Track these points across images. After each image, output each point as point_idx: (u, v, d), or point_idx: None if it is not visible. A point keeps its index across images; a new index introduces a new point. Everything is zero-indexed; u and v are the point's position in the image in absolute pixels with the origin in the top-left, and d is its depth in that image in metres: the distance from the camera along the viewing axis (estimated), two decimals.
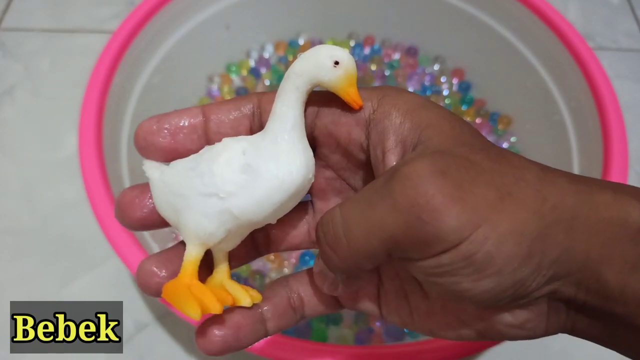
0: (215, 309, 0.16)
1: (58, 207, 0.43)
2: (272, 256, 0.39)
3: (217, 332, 0.17)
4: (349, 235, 0.15)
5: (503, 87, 0.45)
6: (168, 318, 0.38)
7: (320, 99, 0.18)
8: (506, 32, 0.42)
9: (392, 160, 0.17)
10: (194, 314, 0.16)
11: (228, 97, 0.47)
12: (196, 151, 0.18)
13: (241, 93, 0.47)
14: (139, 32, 0.37)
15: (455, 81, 0.48)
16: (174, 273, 0.17)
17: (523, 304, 0.15)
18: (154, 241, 0.34)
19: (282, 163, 0.17)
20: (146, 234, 0.33)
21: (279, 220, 0.18)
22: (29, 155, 0.46)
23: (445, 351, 0.26)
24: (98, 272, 0.40)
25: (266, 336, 0.18)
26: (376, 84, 0.48)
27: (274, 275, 0.39)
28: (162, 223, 0.18)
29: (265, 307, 0.18)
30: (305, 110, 0.18)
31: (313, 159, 0.18)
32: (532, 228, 0.14)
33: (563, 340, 0.38)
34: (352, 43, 0.50)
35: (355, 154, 0.18)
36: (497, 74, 0.45)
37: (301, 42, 0.50)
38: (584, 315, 0.16)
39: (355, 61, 0.53)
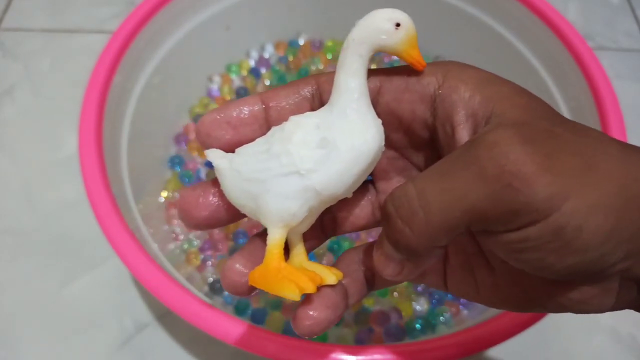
0: (310, 288, 0.16)
1: (58, 207, 0.43)
2: None
3: (312, 314, 0.17)
4: (427, 208, 0.14)
5: None
6: (168, 318, 0.38)
7: (380, 77, 0.18)
8: (506, 32, 0.42)
9: (463, 134, 0.16)
10: (293, 295, 0.16)
11: (228, 98, 0.47)
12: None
13: (241, 93, 0.47)
14: (139, 32, 0.37)
15: None
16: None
17: (596, 279, 0.15)
18: (154, 241, 0.34)
19: (356, 133, 0.16)
20: (146, 234, 0.33)
21: (343, 202, 0.18)
22: (28, 155, 0.46)
23: (445, 350, 0.26)
24: (98, 272, 0.40)
25: (346, 309, 0.19)
26: None
27: None
28: (228, 219, 0.18)
29: (345, 283, 0.18)
30: None
31: (382, 127, 0.17)
32: (616, 201, 0.13)
33: (564, 341, 0.38)
34: None
35: (419, 132, 0.18)
36: (497, 73, 0.45)
37: (301, 42, 0.50)
38: None
39: None
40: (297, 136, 0.16)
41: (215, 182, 0.18)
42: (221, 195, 0.18)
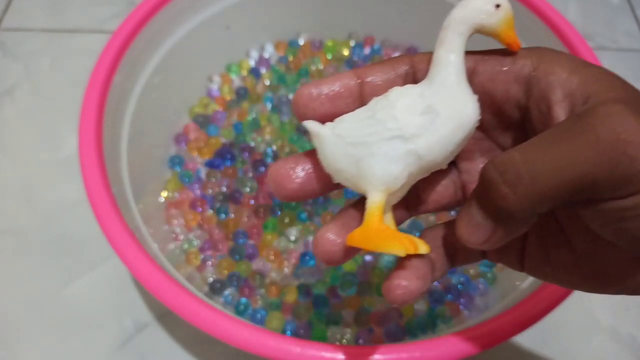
0: (412, 249, 0.17)
1: (58, 207, 0.43)
2: (272, 256, 0.39)
3: (405, 283, 0.18)
4: (534, 173, 0.15)
5: None
6: (168, 318, 0.38)
7: (474, 58, 0.19)
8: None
9: (560, 112, 0.17)
10: (400, 250, 0.17)
11: (228, 97, 0.47)
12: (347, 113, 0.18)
13: (241, 93, 0.47)
14: (139, 32, 0.37)
15: None
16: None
17: None
18: (153, 241, 0.34)
19: (458, 104, 0.17)
20: (146, 234, 0.33)
21: (427, 180, 0.19)
22: (28, 155, 0.46)
23: (445, 350, 0.26)
24: (98, 272, 0.40)
25: (432, 282, 0.19)
26: None
27: (274, 275, 0.39)
28: (320, 190, 0.19)
29: (432, 256, 0.19)
30: None
31: (478, 103, 0.18)
32: None
33: (564, 341, 0.38)
34: (352, 43, 0.50)
35: (509, 113, 0.19)
36: None
37: (301, 42, 0.50)
38: None
39: (356, 61, 0.53)
40: (402, 103, 0.17)
41: (307, 154, 0.19)
42: (314, 166, 0.19)
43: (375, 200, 0.17)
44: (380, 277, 0.39)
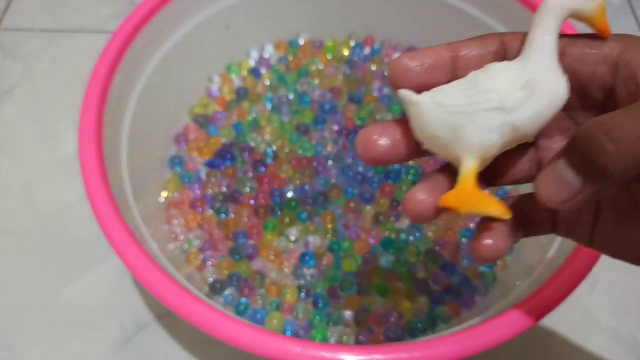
0: (505, 212, 0.19)
1: (58, 207, 0.43)
2: (272, 256, 0.40)
3: (492, 242, 0.20)
4: (638, 133, 0.16)
5: None
6: (168, 318, 0.38)
7: (563, 40, 0.20)
8: (506, 31, 0.42)
9: None
10: (497, 210, 0.19)
11: (228, 97, 0.47)
12: (442, 84, 0.20)
13: (241, 93, 0.47)
14: (139, 32, 0.37)
15: None
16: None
17: None
18: (153, 241, 0.34)
19: (552, 81, 0.19)
20: (146, 234, 0.33)
21: (505, 154, 0.20)
22: (28, 155, 0.46)
23: (445, 350, 0.26)
24: (98, 272, 0.40)
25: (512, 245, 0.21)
26: (376, 83, 0.48)
27: (274, 275, 0.39)
28: (406, 155, 0.21)
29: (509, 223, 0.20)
30: None
31: (567, 81, 0.19)
32: None
33: (564, 341, 0.38)
34: (352, 43, 0.50)
35: (593, 93, 0.20)
36: None
37: (301, 42, 0.50)
38: None
39: (356, 61, 0.52)
40: (503, 77, 0.19)
41: (396, 121, 0.21)
42: (401, 132, 0.20)
43: (471, 166, 0.19)
44: (380, 277, 0.39)
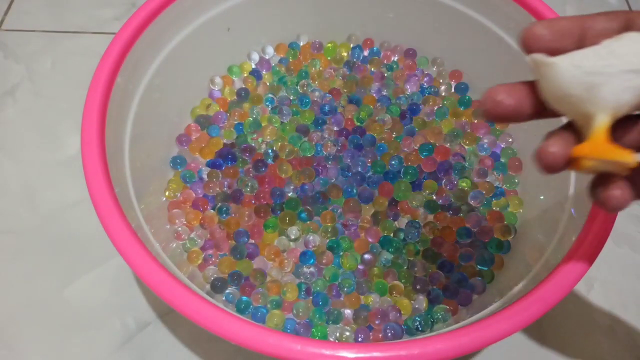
0: (635, 161, 0.20)
1: (59, 207, 0.43)
2: (272, 255, 0.40)
3: (619, 192, 0.22)
4: None
5: None
6: (170, 316, 0.39)
7: None
8: (504, 33, 0.42)
9: None
10: (629, 158, 0.20)
11: (229, 98, 0.48)
12: (568, 51, 0.22)
13: (242, 94, 0.48)
14: (141, 34, 0.37)
15: (453, 82, 0.49)
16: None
17: None
18: (156, 240, 0.34)
19: None
20: (148, 233, 0.33)
21: (629, 119, 0.22)
22: (30, 156, 0.47)
23: (444, 348, 0.26)
24: (100, 272, 0.41)
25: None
26: (375, 85, 0.48)
27: (274, 273, 0.39)
28: (530, 114, 0.23)
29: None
30: None
31: None
32: None
33: (562, 340, 0.39)
34: (351, 45, 0.51)
35: None
36: (495, 75, 0.45)
37: (301, 43, 0.51)
38: None
39: (355, 63, 0.53)
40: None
41: (522, 83, 0.23)
42: (528, 92, 0.23)
43: (605, 122, 0.21)
44: (379, 276, 0.39)
